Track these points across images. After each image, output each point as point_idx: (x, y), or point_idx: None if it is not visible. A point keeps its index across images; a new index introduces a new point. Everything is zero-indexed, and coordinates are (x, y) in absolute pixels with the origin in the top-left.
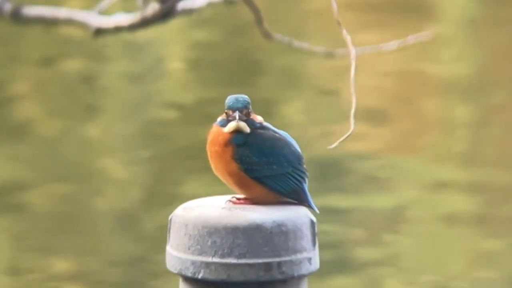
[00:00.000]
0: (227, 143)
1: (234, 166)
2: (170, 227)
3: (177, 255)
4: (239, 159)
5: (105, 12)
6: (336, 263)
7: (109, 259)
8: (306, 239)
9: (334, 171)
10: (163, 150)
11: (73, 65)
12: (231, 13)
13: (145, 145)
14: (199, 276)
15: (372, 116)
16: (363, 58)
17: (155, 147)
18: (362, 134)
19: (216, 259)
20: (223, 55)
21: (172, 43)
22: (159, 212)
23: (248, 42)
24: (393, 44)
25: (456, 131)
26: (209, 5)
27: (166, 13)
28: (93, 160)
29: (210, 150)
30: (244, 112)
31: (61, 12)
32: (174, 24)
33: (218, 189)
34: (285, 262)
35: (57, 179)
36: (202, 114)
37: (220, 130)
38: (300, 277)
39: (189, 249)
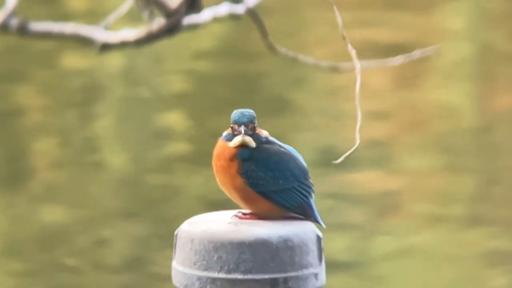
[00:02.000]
0: (232, 158)
1: (239, 180)
2: (176, 242)
3: (183, 270)
4: (245, 173)
5: (111, 28)
6: None
7: None
8: (312, 255)
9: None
10: None
11: None
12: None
13: None
14: None
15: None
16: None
17: None
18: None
19: (222, 275)
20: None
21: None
22: None
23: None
24: (398, 59)
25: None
26: (215, 20)
27: (172, 28)
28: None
29: (216, 164)
30: (250, 126)
31: (67, 28)
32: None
33: None
34: (291, 277)
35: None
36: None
37: (225, 144)
38: None
39: (195, 264)
